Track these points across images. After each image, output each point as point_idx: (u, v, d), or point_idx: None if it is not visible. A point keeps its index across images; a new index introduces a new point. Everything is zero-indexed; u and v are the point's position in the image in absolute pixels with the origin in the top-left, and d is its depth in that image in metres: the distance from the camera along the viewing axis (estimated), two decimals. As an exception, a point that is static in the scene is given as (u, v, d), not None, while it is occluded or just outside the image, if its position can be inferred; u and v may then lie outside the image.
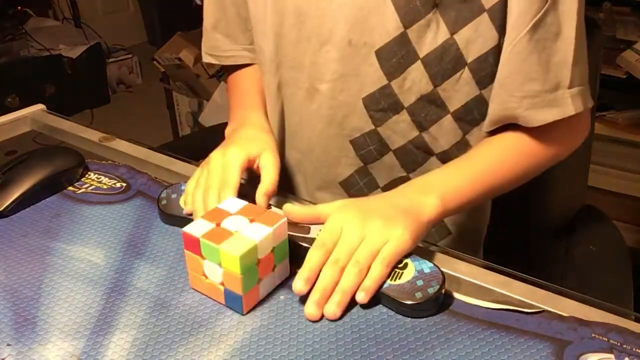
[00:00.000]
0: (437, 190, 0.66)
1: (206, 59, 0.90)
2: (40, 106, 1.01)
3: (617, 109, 1.78)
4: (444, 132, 0.76)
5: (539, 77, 0.68)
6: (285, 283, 0.61)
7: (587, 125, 0.78)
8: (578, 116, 0.71)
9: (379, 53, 0.72)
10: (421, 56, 0.71)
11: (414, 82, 0.73)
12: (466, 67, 0.71)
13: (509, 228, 0.98)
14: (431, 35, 0.70)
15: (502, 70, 0.70)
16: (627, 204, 1.73)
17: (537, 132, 0.72)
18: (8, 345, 0.54)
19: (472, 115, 0.75)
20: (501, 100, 0.71)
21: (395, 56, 0.71)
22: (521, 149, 0.73)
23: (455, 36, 0.70)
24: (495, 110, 0.72)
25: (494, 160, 0.72)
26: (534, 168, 0.75)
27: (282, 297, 0.59)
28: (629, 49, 1.78)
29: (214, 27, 0.87)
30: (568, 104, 0.69)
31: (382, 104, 0.74)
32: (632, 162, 1.74)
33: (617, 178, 1.74)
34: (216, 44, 0.87)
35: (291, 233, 0.62)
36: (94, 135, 0.91)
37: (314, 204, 0.73)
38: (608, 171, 1.73)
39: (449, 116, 0.75)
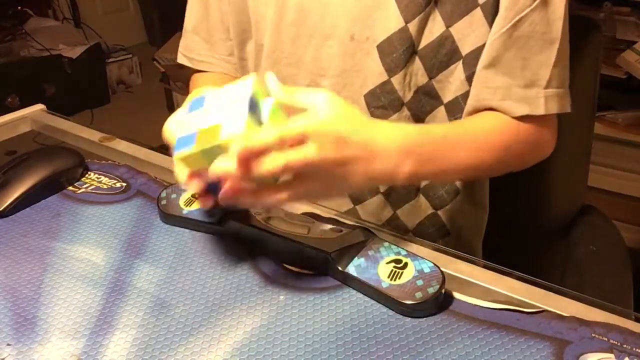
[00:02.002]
0: (416, 158, 0.61)
1: (180, 59, 0.89)
2: (40, 106, 1.01)
3: (617, 109, 1.78)
4: (436, 123, 0.76)
5: (511, 72, 0.69)
6: (285, 284, 0.61)
7: (552, 137, 0.76)
8: (547, 123, 0.72)
9: (380, 48, 0.72)
10: (418, 49, 0.72)
11: (412, 76, 0.73)
12: (461, 61, 0.72)
13: (509, 228, 0.98)
14: (428, 29, 0.71)
15: (481, 62, 0.71)
16: (627, 204, 1.73)
17: (518, 121, 0.71)
18: (8, 345, 0.54)
19: (459, 108, 0.75)
20: (476, 91, 0.72)
21: (396, 51, 0.72)
22: (499, 130, 0.71)
23: (450, 29, 0.71)
24: (471, 101, 0.73)
25: (477, 134, 0.70)
26: (507, 155, 0.72)
27: (282, 297, 0.59)
28: (629, 49, 1.78)
29: (194, 29, 0.86)
30: (540, 103, 0.70)
31: (382, 101, 0.74)
32: (632, 162, 1.74)
33: (617, 178, 1.74)
34: (193, 46, 0.86)
35: (289, 231, 0.62)
36: (94, 135, 0.91)
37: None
38: (608, 171, 1.73)
39: (442, 107, 0.76)
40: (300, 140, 0.53)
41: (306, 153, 0.53)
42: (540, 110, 0.70)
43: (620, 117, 1.76)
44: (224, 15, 0.82)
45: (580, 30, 0.89)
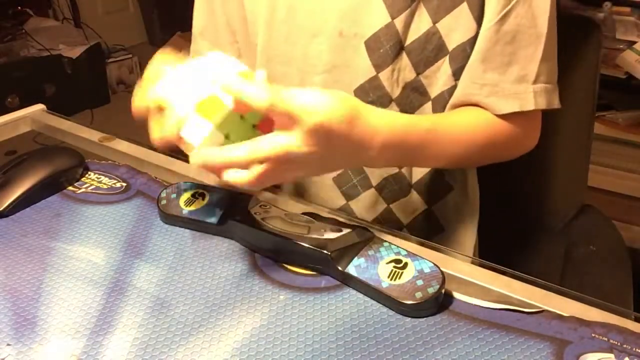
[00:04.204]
0: (397, 151, 0.64)
1: None
2: (40, 106, 1.01)
3: (617, 109, 1.78)
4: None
5: (499, 67, 0.70)
6: (285, 284, 0.61)
7: (536, 131, 0.77)
8: (533, 118, 0.73)
9: (368, 43, 0.73)
10: (405, 45, 0.72)
11: (400, 71, 0.74)
12: (447, 56, 0.73)
13: (509, 227, 0.98)
14: (415, 25, 0.72)
15: (472, 55, 0.71)
16: (627, 204, 1.73)
17: (501, 118, 0.72)
18: (8, 345, 0.54)
19: (444, 102, 0.76)
20: (463, 86, 0.72)
21: (383, 47, 0.72)
22: (484, 126, 0.72)
23: (437, 25, 0.71)
24: (457, 94, 0.73)
25: (461, 130, 0.71)
26: (489, 145, 0.73)
27: (282, 297, 0.59)
28: (629, 49, 1.78)
29: (201, 33, 0.86)
30: (529, 98, 0.70)
31: (370, 96, 0.75)
32: (632, 162, 1.74)
33: (617, 178, 1.73)
34: (201, 50, 0.86)
35: (289, 231, 0.62)
36: (94, 135, 0.91)
37: (309, 201, 0.73)
38: (608, 171, 1.73)
39: (429, 103, 0.76)
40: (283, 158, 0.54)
41: (288, 146, 0.54)
42: (529, 106, 0.70)
43: (620, 117, 1.76)
44: (229, 18, 0.83)
45: (580, 30, 0.90)
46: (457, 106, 0.74)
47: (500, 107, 0.71)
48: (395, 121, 0.64)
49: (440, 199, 0.83)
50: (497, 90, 0.70)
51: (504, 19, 0.68)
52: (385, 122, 0.61)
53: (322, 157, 0.57)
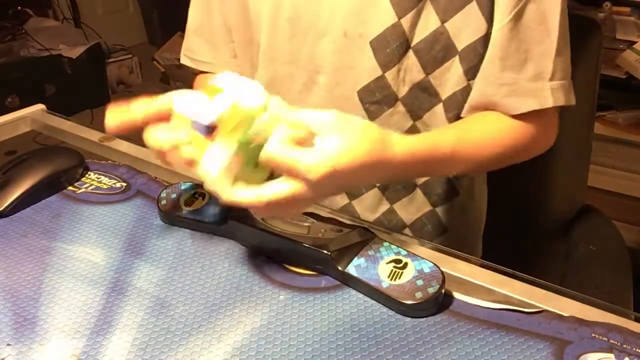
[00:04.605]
0: (416, 172, 0.68)
1: (183, 60, 0.89)
2: (40, 106, 1.01)
3: (617, 109, 1.78)
4: (436, 121, 0.77)
5: (516, 65, 0.69)
6: (285, 284, 0.61)
7: (554, 129, 0.77)
8: (550, 116, 0.72)
9: (374, 43, 0.72)
10: (412, 44, 0.72)
11: (407, 71, 0.74)
12: (457, 56, 0.72)
13: (508, 228, 0.98)
14: (422, 24, 0.71)
15: (486, 55, 0.71)
16: (627, 204, 1.73)
17: (517, 120, 0.72)
18: (8, 345, 0.54)
19: (458, 103, 0.75)
20: (480, 86, 0.72)
21: (389, 46, 0.72)
22: (505, 133, 0.72)
23: (445, 24, 0.71)
24: (474, 95, 0.73)
25: (480, 142, 0.71)
26: (510, 152, 0.73)
27: (282, 297, 0.59)
28: (629, 49, 1.78)
29: (196, 31, 0.86)
30: (547, 95, 0.70)
31: (376, 96, 0.75)
32: (632, 162, 1.74)
33: (617, 178, 1.73)
34: (195, 48, 0.86)
35: (289, 231, 0.62)
36: (94, 135, 0.91)
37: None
38: (608, 171, 1.73)
39: (440, 104, 0.76)
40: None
41: (295, 190, 0.53)
42: (548, 103, 0.70)
43: (620, 117, 1.76)
44: (226, 17, 0.83)
45: (580, 30, 0.89)
46: (475, 108, 0.73)
47: (519, 107, 0.70)
48: (417, 146, 0.62)
49: (446, 201, 0.83)
50: (514, 89, 0.70)
51: (517, 16, 0.68)
52: (405, 149, 0.60)
53: (333, 192, 0.59)
